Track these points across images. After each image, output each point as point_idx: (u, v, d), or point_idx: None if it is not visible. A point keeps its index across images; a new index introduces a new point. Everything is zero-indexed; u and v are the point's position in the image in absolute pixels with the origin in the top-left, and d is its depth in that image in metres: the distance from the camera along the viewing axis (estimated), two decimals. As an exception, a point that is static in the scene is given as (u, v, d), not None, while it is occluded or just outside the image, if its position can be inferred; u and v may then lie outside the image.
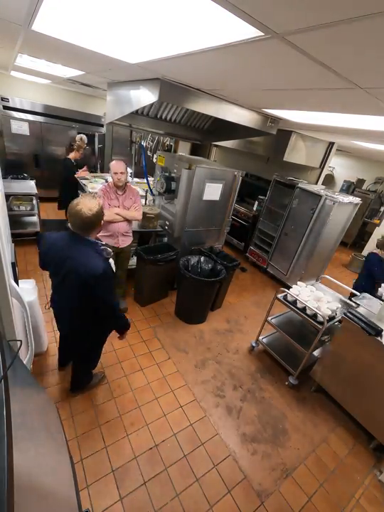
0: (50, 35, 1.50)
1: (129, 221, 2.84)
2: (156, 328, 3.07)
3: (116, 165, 2.56)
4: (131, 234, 2.96)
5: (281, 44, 0.92)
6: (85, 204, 1.47)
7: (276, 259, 4.59)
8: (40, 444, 0.89)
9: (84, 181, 4.44)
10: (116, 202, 2.71)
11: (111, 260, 1.79)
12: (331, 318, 2.50)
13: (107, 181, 4.77)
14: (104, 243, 1.74)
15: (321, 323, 2.35)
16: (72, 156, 4.30)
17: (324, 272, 4.36)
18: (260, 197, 5.13)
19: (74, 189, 4.39)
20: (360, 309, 2.41)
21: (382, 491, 1.99)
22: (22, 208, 4.04)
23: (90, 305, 1.64)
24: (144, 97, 2.22)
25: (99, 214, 1.54)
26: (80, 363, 2.10)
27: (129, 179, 5.19)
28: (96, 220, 1.53)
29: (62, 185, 4.45)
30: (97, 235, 1.77)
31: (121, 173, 2.58)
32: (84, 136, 4.35)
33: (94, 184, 4.40)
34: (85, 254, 1.52)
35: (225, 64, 1.35)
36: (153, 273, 3.14)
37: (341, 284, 3.07)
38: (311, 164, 4.39)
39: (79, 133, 4.76)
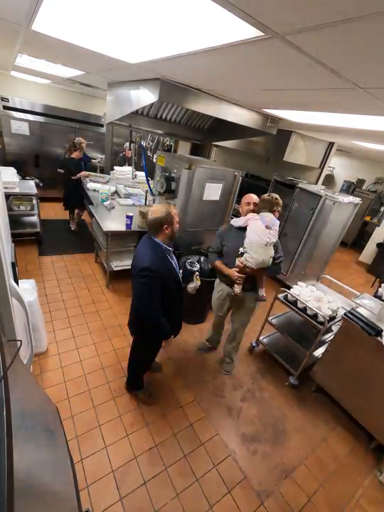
0: (50, 35, 1.50)
1: None
2: (156, 328, 3.07)
3: None
4: None
5: (281, 44, 0.92)
6: (153, 208, 1.64)
7: (276, 259, 4.57)
8: (40, 444, 0.89)
9: (87, 179, 4.62)
10: None
11: (195, 281, 1.78)
12: (332, 318, 2.50)
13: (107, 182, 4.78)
14: (190, 259, 1.80)
15: (322, 323, 2.35)
16: (76, 155, 4.38)
17: (324, 272, 4.35)
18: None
19: (80, 187, 4.53)
20: (360, 309, 2.41)
21: (382, 491, 1.99)
22: (22, 207, 4.04)
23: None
24: (144, 97, 2.22)
25: (162, 218, 1.60)
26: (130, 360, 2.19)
27: (129, 178, 5.20)
28: (157, 223, 1.62)
29: (67, 185, 4.52)
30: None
31: None
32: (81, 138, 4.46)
33: (94, 184, 4.46)
34: (143, 250, 1.64)
35: (225, 64, 1.35)
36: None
37: (341, 284, 3.08)
38: (311, 164, 4.39)
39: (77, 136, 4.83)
